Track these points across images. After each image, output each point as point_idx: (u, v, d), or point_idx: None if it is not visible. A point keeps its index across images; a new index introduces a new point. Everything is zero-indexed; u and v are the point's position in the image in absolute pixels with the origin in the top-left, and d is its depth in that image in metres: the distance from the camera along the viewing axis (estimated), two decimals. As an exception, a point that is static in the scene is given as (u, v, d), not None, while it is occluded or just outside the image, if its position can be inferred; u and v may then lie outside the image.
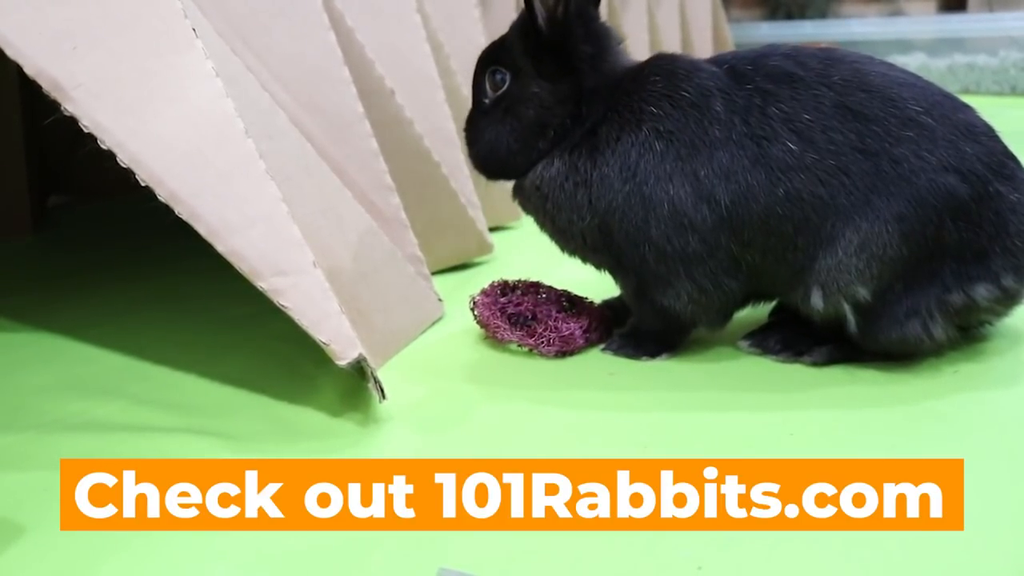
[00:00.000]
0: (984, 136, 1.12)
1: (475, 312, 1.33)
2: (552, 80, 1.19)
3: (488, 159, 1.26)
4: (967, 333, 1.22)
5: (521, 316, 1.29)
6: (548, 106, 1.20)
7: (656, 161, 1.14)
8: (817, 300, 1.13)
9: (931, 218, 1.08)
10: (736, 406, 1.10)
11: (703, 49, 3.46)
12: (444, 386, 1.20)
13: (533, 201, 1.24)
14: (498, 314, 1.30)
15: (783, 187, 1.10)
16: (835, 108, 1.10)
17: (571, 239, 1.24)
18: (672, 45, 3.17)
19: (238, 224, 1.03)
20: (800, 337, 1.21)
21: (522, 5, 1.18)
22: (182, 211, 1.03)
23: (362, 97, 1.43)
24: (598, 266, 1.27)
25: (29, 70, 1.01)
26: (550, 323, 1.27)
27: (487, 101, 1.24)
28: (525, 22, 1.20)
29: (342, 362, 1.04)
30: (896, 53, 4.23)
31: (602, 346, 1.30)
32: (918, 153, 1.08)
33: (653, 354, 1.25)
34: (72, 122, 1.02)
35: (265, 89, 1.24)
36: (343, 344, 1.04)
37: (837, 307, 1.13)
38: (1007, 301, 1.15)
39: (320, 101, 1.40)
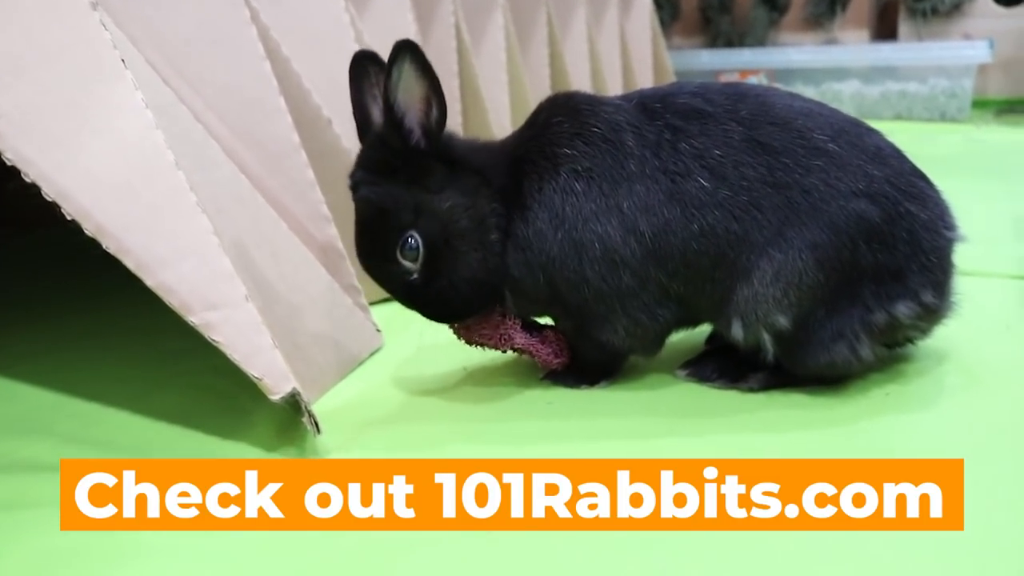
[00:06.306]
0: (892, 158, 1.15)
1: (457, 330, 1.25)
2: (448, 186, 1.15)
3: (479, 294, 1.18)
4: (894, 350, 1.25)
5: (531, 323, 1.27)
6: (468, 205, 1.15)
7: (580, 202, 1.14)
8: (738, 330, 1.15)
9: (845, 243, 1.10)
10: (670, 432, 1.10)
11: (643, 76, 3.51)
12: (381, 417, 1.19)
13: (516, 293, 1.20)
14: (500, 321, 1.22)
15: (698, 223, 1.12)
16: (744, 142, 1.12)
17: (535, 302, 1.21)
18: (613, 73, 3.21)
19: (168, 258, 1.02)
20: (736, 364, 1.22)
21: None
22: (110, 245, 1.01)
23: (298, 127, 1.42)
24: (554, 316, 1.26)
25: (-51, 102, 0.99)
26: (550, 333, 1.27)
27: (416, 274, 1.15)
28: (380, 149, 1.14)
29: (275, 396, 1.02)
30: (832, 80, 4.33)
31: (541, 375, 1.30)
32: (827, 181, 1.11)
33: (592, 382, 1.26)
34: (0, 153, 1.01)
35: (199, 120, 1.23)
36: (276, 378, 1.03)
37: (757, 336, 1.15)
38: (929, 317, 1.18)
39: (256, 131, 1.38)
